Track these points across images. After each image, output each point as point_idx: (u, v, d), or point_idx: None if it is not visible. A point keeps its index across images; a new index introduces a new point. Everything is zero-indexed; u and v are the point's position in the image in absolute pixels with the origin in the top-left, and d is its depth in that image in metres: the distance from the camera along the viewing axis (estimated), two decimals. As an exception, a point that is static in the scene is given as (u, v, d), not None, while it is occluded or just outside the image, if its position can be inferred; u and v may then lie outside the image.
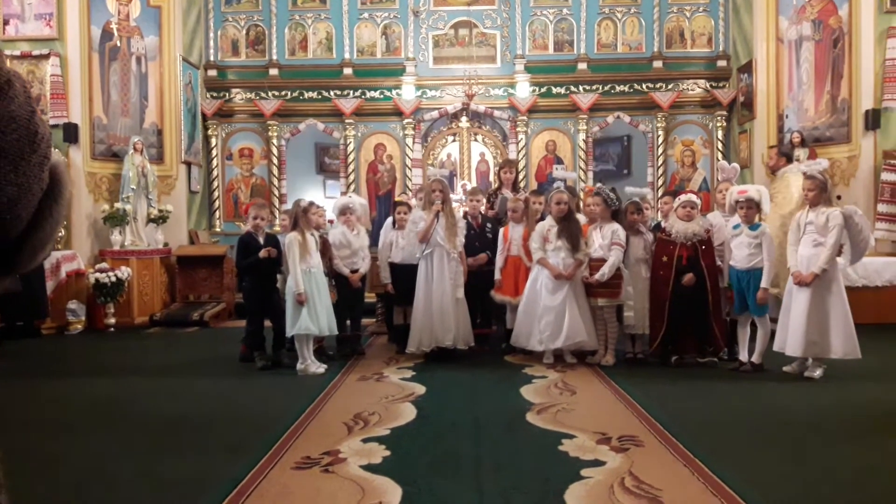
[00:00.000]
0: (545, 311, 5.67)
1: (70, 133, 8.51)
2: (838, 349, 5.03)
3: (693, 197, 5.75)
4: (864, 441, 3.71)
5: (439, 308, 5.83)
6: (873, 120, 8.57)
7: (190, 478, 3.20)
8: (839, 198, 7.88)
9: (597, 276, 5.62)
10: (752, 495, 2.88)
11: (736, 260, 5.44)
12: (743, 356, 5.49)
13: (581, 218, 6.15)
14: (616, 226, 5.73)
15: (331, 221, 6.89)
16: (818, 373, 5.13)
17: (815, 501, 2.88)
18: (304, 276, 5.50)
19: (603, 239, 5.71)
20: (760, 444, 3.66)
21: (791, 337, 5.13)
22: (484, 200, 6.66)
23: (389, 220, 6.70)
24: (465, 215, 6.66)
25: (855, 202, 7.01)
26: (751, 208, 5.40)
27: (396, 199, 6.90)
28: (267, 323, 5.93)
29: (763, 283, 5.28)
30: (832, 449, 3.58)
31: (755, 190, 5.56)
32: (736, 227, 5.48)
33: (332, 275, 6.10)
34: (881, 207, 8.39)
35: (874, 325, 7.34)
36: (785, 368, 5.29)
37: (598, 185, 6.43)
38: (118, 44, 9.23)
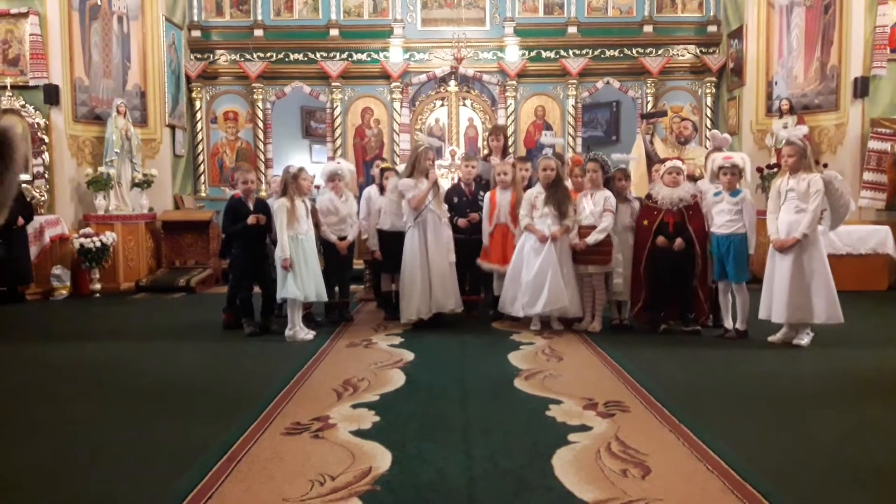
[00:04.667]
0: (527, 276, 5.68)
1: (51, 94, 8.35)
2: (821, 314, 5.08)
3: (679, 163, 5.76)
4: (846, 406, 3.77)
5: (439, 274, 5.80)
6: (862, 87, 8.57)
7: (180, 443, 3.21)
8: (825, 165, 7.91)
9: (587, 239, 5.63)
10: (736, 459, 2.93)
11: (717, 226, 5.47)
12: (728, 323, 5.55)
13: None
14: (607, 192, 5.73)
15: (317, 187, 6.83)
16: (806, 340, 5.18)
17: (798, 465, 2.94)
18: (290, 242, 5.47)
19: (594, 206, 5.71)
20: (744, 410, 3.72)
21: (776, 303, 5.18)
22: (477, 166, 6.62)
23: (372, 187, 6.65)
24: (459, 181, 6.62)
25: (841, 170, 7.04)
26: (734, 174, 5.42)
27: (383, 165, 6.81)
28: (256, 289, 5.92)
29: (751, 250, 5.36)
30: (815, 414, 3.64)
31: (740, 157, 5.58)
32: (717, 194, 5.51)
33: (320, 241, 6.07)
34: (867, 175, 8.44)
35: (858, 292, 7.46)
36: (770, 339, 5.31)
37: (593, 151, 6.42)
38: (98, 2, 9.00)
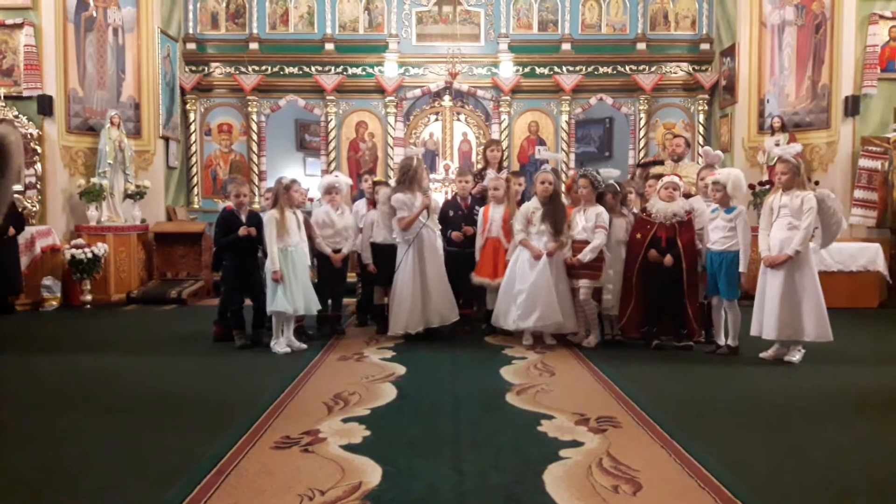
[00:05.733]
0: (521, 291, 5.68)
1: (44, 105, 8.34)
2: (811, 332, 5.09)
3: (676, 178, 5.77)
4: (837, 422, 3.77)
5: (437, 287, 5.81)
6: (853, 106, 8.64)
7: (169, 456, 3.18)
8: (817, 183, 7.96)
9: (580, 256, 5.63)
10: (728, 476, 2.93)
11: (712, 242, 5.49)
12: (720, 339, 5.56)
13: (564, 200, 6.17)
14: (600, 209, 5.72)
15: (311, 199, 6.83)
16: (797, 357, 5.19)
17: (790, 481, 2.93)
18: (280, 254, 5.46)
19: (587, 221, 5.70)
20: (736, 426, 3.71)
21: (766, 320, 5.19)
22: (472, 181, 6.63)
23: (361, 201, 6.65)
24: (454, 197, 6.63)
25: (832, 188, 7.09)
26: (718, 190, 5.44)
27: (375, 179, 6.80)
28: (247, 301, 5.89)
29: (741, 268, 5.33)
30: (806, 431, 3.64)
31: (725, 173, 5.57)
32: (714, 210, 5.53)
33: (315, 254, 6.06)
34: (858, 193, 8.49)
35: (849, 309, 7.48)
36: (762, 355, 5.32)
37: (585, 167, 6.41)
38: (94, 14, 9.02)
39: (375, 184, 6.56)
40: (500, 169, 7.00)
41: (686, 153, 7.11)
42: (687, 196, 5.87)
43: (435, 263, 5.87)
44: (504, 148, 10.72)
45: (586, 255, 5.61)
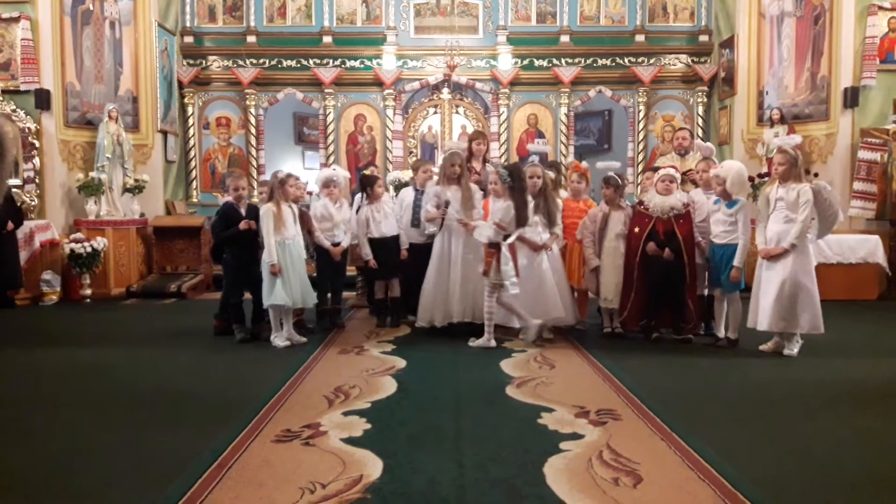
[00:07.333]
0: (522, 287, 5.64)
1: (42, 99, 8.32)
2: (804, 324, 5.10)
3: (672, 171, 5.75)
4: (837, 415, 3.78)
5: (462, 284, 5.78)
6: (852, 98, 8.64)
7: (170, 450, 3.18)
8: (816, 175, 7.96)
9: (475, 234, 5.46)
10: (727, 468, 2.93)
11: (714, 235, 5.49)
12: (720, 332, 5.56)
13: (563, 193, 6.15)
14: (505, 204, 5.41)
15: (310, 193, 6.81)
16: (795, 349, 5.19)
17: (789, 474, 2.94)
18: (277, 247, 5.46)
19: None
20: (736, 419, 3.72)
21: (761, 312, 5.20)
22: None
23: (360, 195, 6.62)
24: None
25: (831, 180, 7.09)
26: (720, 184, 5.43)
27: (366, 173, 6.71)
28: (247, 295, 5.89)
29: (736, 262, 5.29)
30: (806, 423, 3.65)
31: (726, 168, 5.53)
32: (717, 202, 5.52)
33: (314, 247, 6.06)
34: (857, 185, 8.49)
35: (848, 301, 7.49)
36: (761, 347, 5.33)
37: (499, 162, 6.30)
38: (91, 7, 8.99)
39: (364, 178, 6.49)
40: (484, 161, 6.93)
41: (692, 146, 7.04)
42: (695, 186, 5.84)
43: (464, 260, 5.81)
44: (503, 141, 10.76)
45: (479, 233, 5.41)
